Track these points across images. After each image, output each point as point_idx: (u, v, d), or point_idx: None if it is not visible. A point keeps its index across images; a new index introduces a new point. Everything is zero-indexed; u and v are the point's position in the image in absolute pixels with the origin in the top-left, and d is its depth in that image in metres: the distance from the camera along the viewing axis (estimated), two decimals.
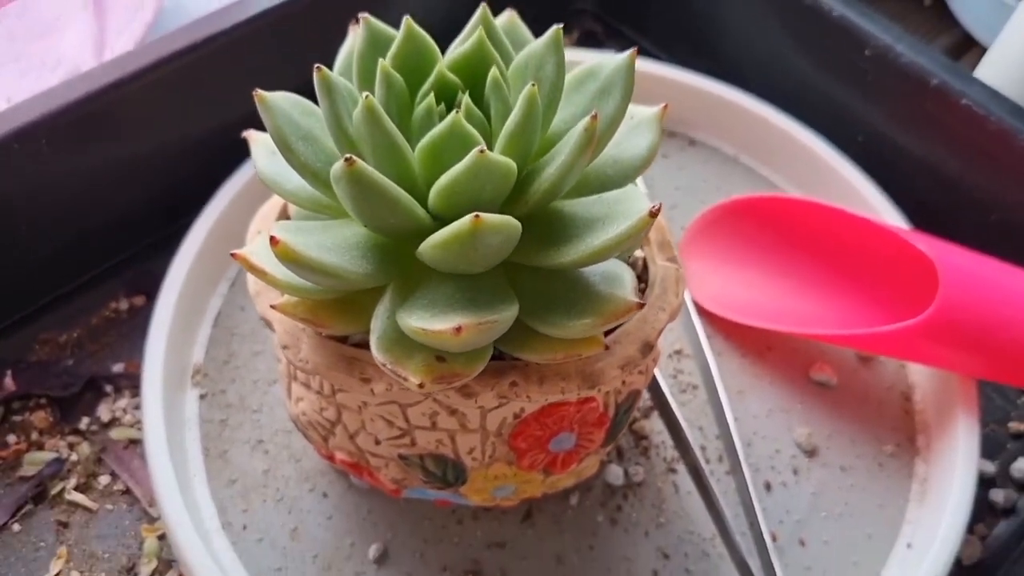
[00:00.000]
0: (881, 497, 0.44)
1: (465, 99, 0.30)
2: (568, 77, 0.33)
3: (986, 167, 0.49)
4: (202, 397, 0.46)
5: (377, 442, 0.36)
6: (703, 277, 0.50)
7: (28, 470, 0.45)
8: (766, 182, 0.55)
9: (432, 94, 0.31)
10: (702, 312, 0.49)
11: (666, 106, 0.34)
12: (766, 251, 0.50)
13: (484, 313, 0.29)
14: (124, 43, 0.52)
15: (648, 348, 0.34)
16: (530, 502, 0.43)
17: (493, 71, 0.30)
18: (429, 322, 0.28)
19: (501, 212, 0.30)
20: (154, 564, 0.42)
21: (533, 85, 0.29)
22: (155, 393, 0.44)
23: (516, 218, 0.31)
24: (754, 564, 0.41)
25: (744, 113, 0.55)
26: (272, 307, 0.32)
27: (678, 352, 0.48)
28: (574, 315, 0.30)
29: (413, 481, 0.38)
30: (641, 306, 0.30)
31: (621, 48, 0.64)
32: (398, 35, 0.31)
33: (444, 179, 0.28)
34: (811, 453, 0.45)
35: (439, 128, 0.29)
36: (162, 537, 0.43)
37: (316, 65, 0.29)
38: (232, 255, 0.31)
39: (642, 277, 0.37)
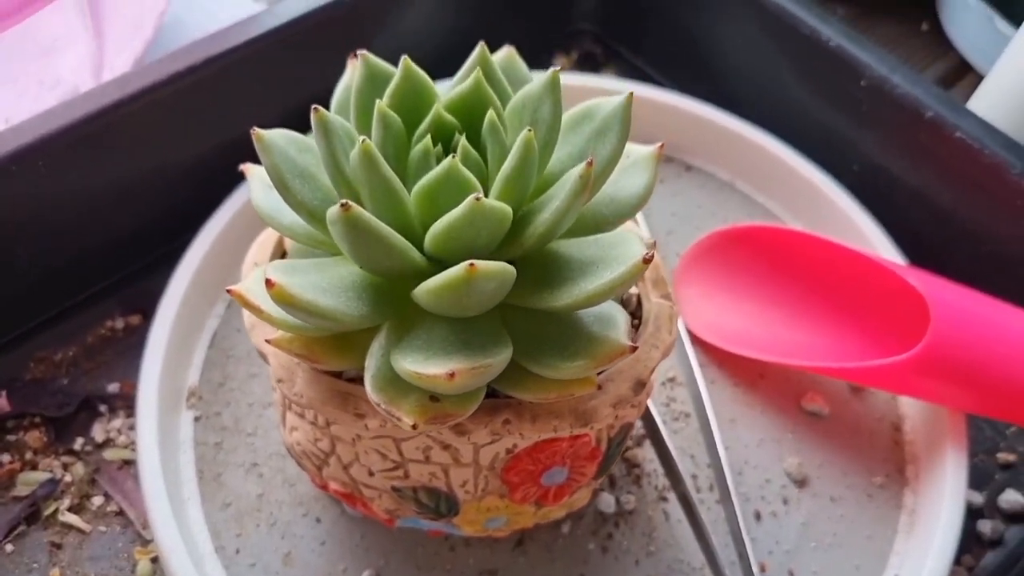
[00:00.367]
0: (870, 528, 0.44)
1: (462, 142, 0.30)
2: (565, 117, 0.33)
3: (979, 199, 0.49)
4: (197, 419, 0.47)
5: (371, 474, 0.37)
6: (697, 305, 0.50)
7: (22, 490, 0.45)
8: (761, 209, 0.56)
9: (429, 135, 0.31)
10: (695, 340, 0.50)
11: (662, 145, 0.35)
12: (761, 280, 0.50)
13: (478, 357, 0.29)
14: (124, 61, 0.52)
15: (641, 386, 0.35)
16: (522, 531, 0.43)
17: (490, 114, 0.31)
18: (423, 365, 0.28)
19: (496, 254, 0.31)
20: None
21: (530, 130, 0.29)
22: (150, 415, 0.44)
23: (511, 259, 0.31)
24: None
25: (740, 140, 0.55)
26: (267, 342, 0.32)
27: (671, 380, 0.49)
28: (567, 357, 0.31)
29: (406, 512, 0.38)
30: (634, 349, 0.30)
31: (620, 71, 0.65)
32: (396, 74, 0.32)
33: (440, 224, 0.28)
34: (801, 483, 0.45)
35: (436, 172, 0.29)
36: (155, 560, 0.43)
37: (313, 106, 0.29)
38: (228, 291, 0.32)
39: (636, 314, 0.37)
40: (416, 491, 0.37)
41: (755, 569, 0.42)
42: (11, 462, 0.46)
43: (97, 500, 0.45)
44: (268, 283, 0.28)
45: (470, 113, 0.32)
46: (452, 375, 0.27)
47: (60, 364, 0.50)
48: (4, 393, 0.48)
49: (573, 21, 0.66)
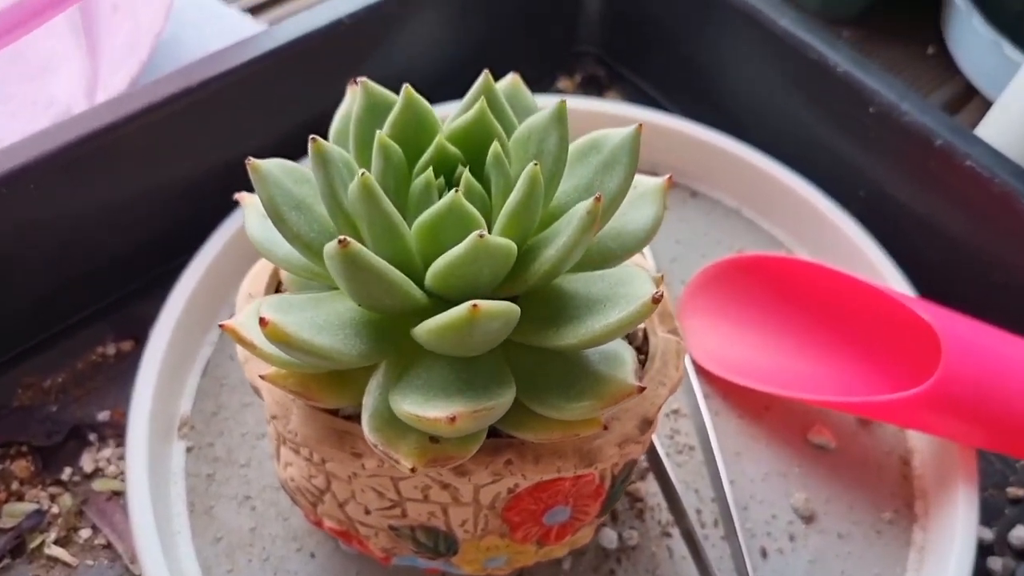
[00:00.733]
0: (878, 565, 0.43)
1: (465, 175, 0.29)
2: (572, 147, 0.32)
3: (989, 228, 0.48)
4: (189, 450, 0.45)
5: (367, 512, 0.35)
6: (702, 334, 0.49)
7: (7, 522, 0.44)
8: (767, 236, 0.55)
9: (431, 168, 0.30)
10: (700, 370, 0.49)
11: (670, 177, 0.34)
12: (767, 310, 0.49)
13: (480, 399, 0.28)
14: (119, 81, 0.51)
15: (647, 424, 0.34)
16: (521, 568, 0.42)
17: (494, 146, 0.30)
18: (423, 408, 0.27)
19: (500, 290, 0.30)
20: None
21: (535, 164, 0.28)
22: (140, 445, 0.43)
23: (515, 295, 0.30)
24: None
25: (746, 166, 0.54)
26: (261, 377, 0.31)
27: (675, 411, 0.47)
28: (572, 397, 0.30)
29: (403, 550, 0.37)
30: (642, 390, 0.29)
31: (624, 94, 0.64)
32: (397, 103, 0.31)
33: (442, 261, 0.27)
34: (808, 519, 0.44)
35: (438, 207, 0.28)
36: None
37: (311, 136, 0.28)
38: (221, 327, 0.31)
39: (642, 348, 0.36)
40: (414, 530, 0.36)
41: None
42: None
43: (85, 533, 0.44)
44: (262, 321, 0.27)
45: (474, 144, 0.31)
46: (453, 419, 0.26)
47: (49, 391, 0.49)
48: None
49: (577, 43, 0.65)
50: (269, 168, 0.30)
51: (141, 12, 0.51)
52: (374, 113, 0.32)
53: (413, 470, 0.28)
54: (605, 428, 0.31)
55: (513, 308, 0.27)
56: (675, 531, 0.44)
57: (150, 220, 0.51)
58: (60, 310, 0.50)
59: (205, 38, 0.61)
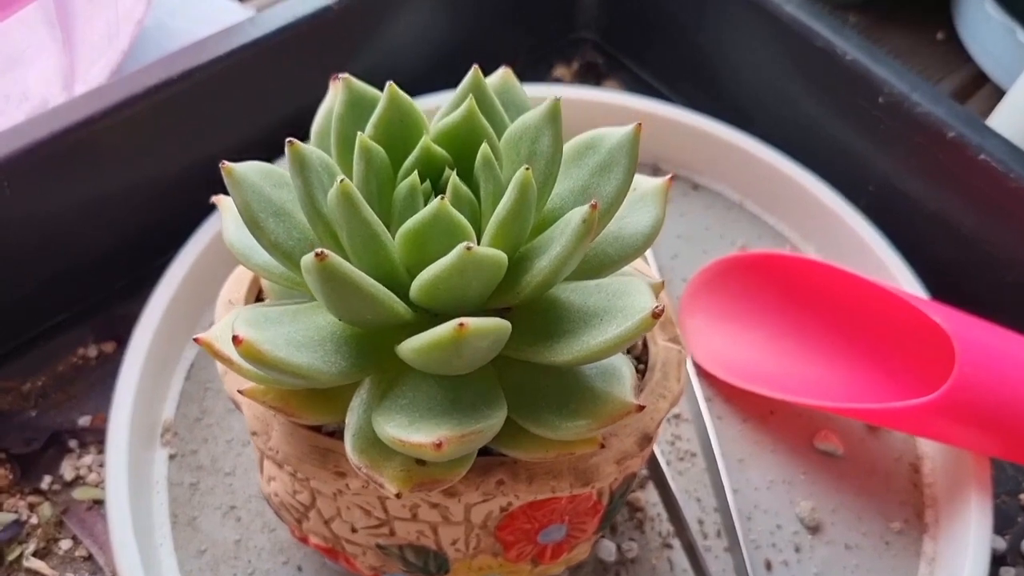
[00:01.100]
0: None
1: (452, 179, 0.28)
2: (566, 147, 0.30)
3: (1003, 225, 0.46)
4: (171, 458, 0.44)
5: (353, 530, 0.34)
6: (704, 335, 0.48)
7: None
8: (771, 231, 0.53)
9: (416, 172, 0.28)
10: (702, 373, 0.47)
11: (672, 177, 0.32)
12: (772, 310, 0.47)
13: (468, 421, 0.26)
14: (98, 72, 0.49)
15: (647, 440, 0.32)
16: None
17: (483, 148, 0.28)
18: (407, 431, 0.26)
19: (490, 301, 0.28)
20: None
21: (527, 169, 0.26)
22: (120, 453, 0.41)
23: (507, 306, 0.28)
24: None
25: (750, 158, 0.52)
26: (240, 392, 0.30)
27: (676, 416, 0.46)
28: (567, 415, 0.28)
29: (392, 568, 0.36)
30: (641, 408, 0.28)
31: (623, 82, 0.62)
32: (380, 101, 0.29)
33: (427, 274, 0.26)
34: (814, 529, 0.43)
35: (423, 214, 0.26)
36: None
37: (288, 139, 0.27)
38: (195, 340, 0.29)
39: (641, 358, 0.34)
40: (402, 549, 0.34)
41: None
42: None
43: (65, 544, 0.42)
44: (235, 339, 0.25)
45: (462, 145, 0.29)
46: (439, 444, 0.25)
47: (28, 395, 0.47)
48: None
49: (574, 29, 0.63)
50: (244, 172, 0.28)
51: (120, 0, 0.49)
52: (356, 110, 0.30)
53: (399, 495, 0.27)
54: (602, 446, 0.30)
55: (503, 325, 0.25)
56: (676, 542, 0.42)
57: (131, 217, 0.49)
58: (39, 312, 0.48)
59: (191, 24, 0.59)
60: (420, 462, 0.27)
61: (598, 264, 0.31)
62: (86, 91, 0.44)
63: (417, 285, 0.26)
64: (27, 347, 0.48)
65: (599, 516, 0.35)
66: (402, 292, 0.27)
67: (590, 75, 0.61)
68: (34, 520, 0.43)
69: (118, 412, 0.43)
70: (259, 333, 0.26)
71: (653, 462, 0.43)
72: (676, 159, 0.55)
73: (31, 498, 0.44)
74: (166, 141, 0.48)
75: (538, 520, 0.33)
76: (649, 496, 0.43)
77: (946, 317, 0.40)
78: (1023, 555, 0.44)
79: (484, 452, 0.30)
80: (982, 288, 0.48)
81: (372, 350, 0.28)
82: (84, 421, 0.46)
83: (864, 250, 0.49)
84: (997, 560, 0.44)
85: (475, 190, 0.29)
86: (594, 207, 0.26)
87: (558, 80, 0.60)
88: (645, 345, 0.34)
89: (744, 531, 0.42)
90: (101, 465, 0.45)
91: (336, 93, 0.31)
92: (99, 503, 0.44)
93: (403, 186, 0.28)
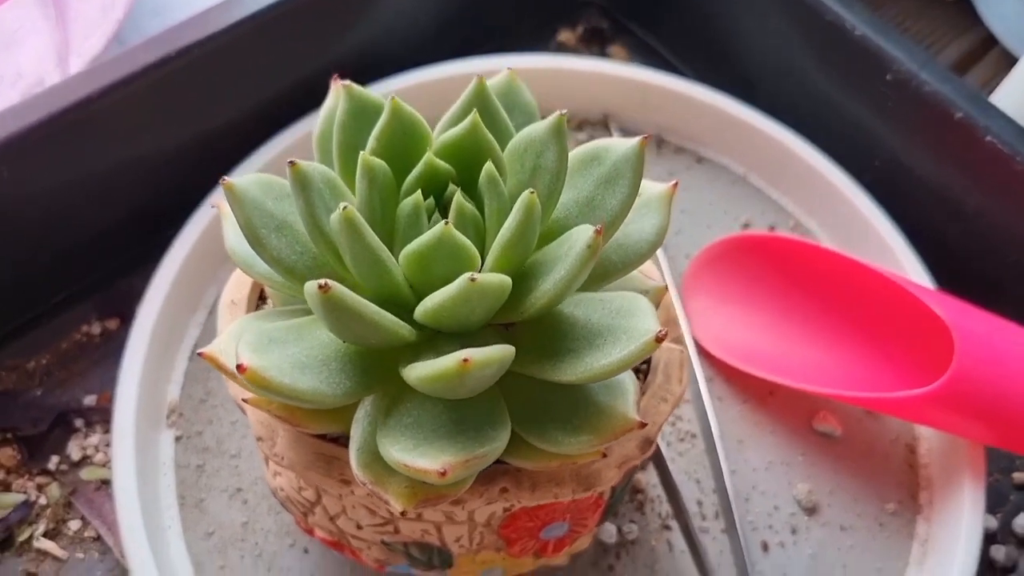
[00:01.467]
0: (880, 559, 0.42)
1: (456, 198, 0.27)
2: (571, 156, 0.30)
3: (1007, 205, 0.46)
4: (178, 439, 0.44)
5: (359, 527, 0.34)
6: (706, 315, 0.48)
7: None
8: (775, 206, 0.53)
9: (419, 189, 0.28)
10: (703, 352, 0.47)
11: (676, 184, 0.32)
12: (774, 293, 0.47)
13: (472, 444, 0.26)
14: (93, 45, 0.48)
15: (648, 444, 0.32)
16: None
17: (488, 167, 0.27)
18: (412, 456, 0.26)
19: (495, 318, 0.28)
20: None
21: (532, 192, 0.26)
22: (127, 436, 0.42)
23: (510, 322, 0.28)
24: None
25: (754, 132, 0.52)
26: (244, 400, 0.30)
27: None
28: (571, 431, 0.28)
29: (397, 561, 0.36)
30: (643, 425, 0.28)
31: (629, 49, 0.61)
32: (382, 114, 0.28)
33: (431, 302, 0.26)
34: (811, 511, 0.43)
35: (427, 238, 0.26)
36: None
37: (289, 160, 0.26)
38: (199, 355, 0.29)
39: None
40: (407, 545, 0.35)
41: None
42: None
43: (74, 524, 0.43)
44: (240, 368, 0.25)
45: (466, 158, 0.28)
46: (444, 473, 0.25)
47: (33, 373, 0.47)
48: None
49: None
50: (246, 188, 0.28)
51: None
52: (359, 119, 0.29)
53: (404, 513, 0.27)
54: (604, 456, 0.30)
55: (507, 353, 0.25)
56: (676, 523, 0.43)
57: (133, 193, 0.49)
58: (42, 289, 0.48)
59: None
60: None
61: (602, 272, 0.31)
62: (83, 66, 0.44)
63: (421, 310, 0.26)
64: (31, 326, 0.48)
65: (601, 511, 0.35)
66: (407, 312, 0.27)
67: (595, 40, 0.60)
68: (43, 501, 0.44)
69: (124, 394, 0.43)
70: (263, 358, 0.26)
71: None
72: (681, 131, 0.54)
73: (39, 479, 0.44)
74: (166, 117, 0.47)
75: (540, 518, 0.34)
76: (650, 477, 0.44)
77: (946, 308, 0.40)
78: (1014, 533, 0.45)
79: None
80: (985, 268, 0.48)
81: (376, 367, 0.28)
82: (90, 400, 0.46)
83: (867, 228, 0.49)
84: (988, 538, 0.45)
85: (479, 204, 0.28)
86: (599, 233, 0.26)
87: (562, 45, 0.59)
88: None
89: (742, 513, 0.43)
90: (107, 445, 0.45)
91: (338, 99, 0.30)
92: (106, 483, 0.44)
93: (406, 204, 0.28)
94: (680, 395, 0.33)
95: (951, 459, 0.43)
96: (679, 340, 0.35)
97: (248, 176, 0.28)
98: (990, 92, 0.54)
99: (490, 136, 0.28)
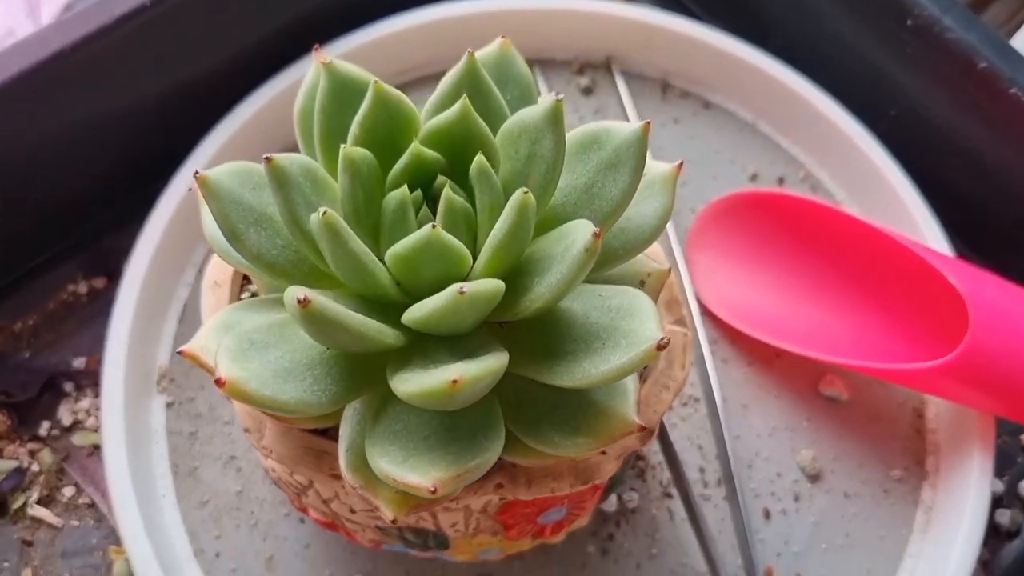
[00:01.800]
0: (884, 527, 0.42)
1: (445, 193, 0.26)
2: (569, 138, 0.28)
3: None
4: (169, 405, 0.43)
5: (352, 511, 0.34)
6: (711, 274, 0.46)
7: None
8: (785, 155, 0.50)
9: (406, 184, 0.26)
10: (707, 312, 0.46)
11: (681, 164, 0.30)
12: (782, 253, 0.46)
13: (464, 455, 0.25)
14: None
15: (649, 435, 0.31)
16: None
17: (479, 159, 0.26)
18: (402, 469, 0.25)
19: (488, 318, 0.26)
20: None
21: (526, 193, 0.24)
22: (116, 403, 0.41)
23: (504, 321, 0.27)
24: None
25: (766, 78, 0.49)
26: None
27: None
28: (567, 432, 0.27)
29: (392, 542, 0.36)
30: (643, 429, 0.27)
31: None
32: (365, 99, 0.26)
33: (420, 311, 0.24)
34: (815, 477, 0.43)
35: (414, 240, 0.24)
36: None
37: (265, 156, 0.25)
38: (180, 353, 0.28)
39: None
40: (402, 530, 0.34)
41: (761, 574, 0.40)
42: None
43: (68, 491, 0.43)
44: (219, 382, 0.24)
45: (456, 145, 0.27)
46: (434, 490, 0.24)
47: (20, 335, 0.46)
48: None
49: None
50: (219, 180, 0.26)
51: None
52: (341, 100, 0.28)
53: (394, 521, 0.26)
54: (603, 453, 0.29)
55: (499, 365, 0.24)
56: (676, 492, 0.42)
57: (116, 147, 0.47)
58: (26, 249, 0.47)
59: None
60: None
61: (602, 259, 0.29)
62: (55, 16, 0.41)
63: (410, 318, 0.25)
64: (16, 286, 0.47)
65: (600, 493, 0.35)
66: (394, 312, 0.26)
67: None
68: (35, 468, 0.43)
69: (112, 359, 0.42)
70: (243, 368, 0.24)
71: None
72: (687, 75, 0.52)
73: (31, 445, 0.44)
74: (145, 67, 0.45)
75: (538, 506, 0.33)
76: (652, 445, 0.43)
77: (962, 277, 0.38)
78: (1020, 497, 0.44)
79: None
80: (1003, 224, 0.46)
81: (364, 370, 0.27)
82: (79, 363, 0.45)
83: (880, 182, 0.47)
84: (994, 502, 0.44)
85: (470, 193, 0.27)
86: (597, 235, 0.24)
87: None
88: None
89: (744, 480, 0.42)
90: (99, 409, 0.44)
91: (318, 76, 0.28)
92: (99, 449, 0.43)
93: (392, 199, 0.26)
94: (683, 381, 0.32)
95: (960, 424, 0.42)
96: (682, 323, 0.33)
97: (223, 167, 0.27)
98: (1011, 32, 0.51)
99: (481, 124, 0.26)
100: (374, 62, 0.47)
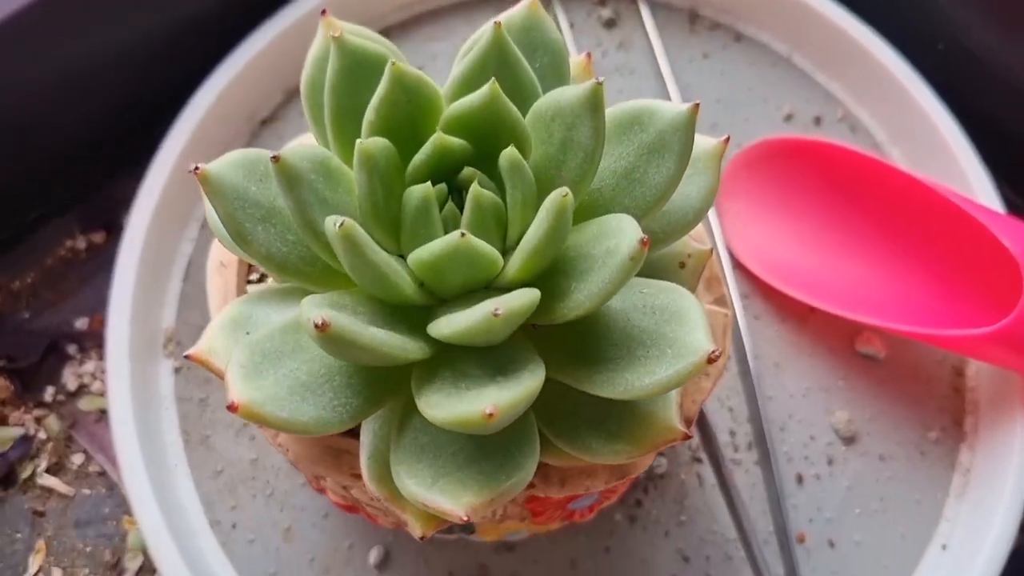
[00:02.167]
0: (920, 491, 0.41)
1: (474, 189, 0.23)
2: (607, 116, 0.25)
3: None
4: (177, 371, 0.42)
5: (372, 498, 0.32)
6: (743, 224, 0.44)
7: None
8: (822, 92, 0.47)
9: (428, 170, 0.23)
10: (739, 266, 0.43)
11: (727, 139, 0.27)
12: (819, 204, 0.43)
13: (498, 473, 0.24)
14: None
15: (687, 424, 0.29)
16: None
17: (511, 152, 0.23)
18: (431, 492, 0.23)
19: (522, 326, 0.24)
20: (140, 559, 0.40)
21: (564, 196, 0.22)
22: (122, 368, 0.40)
23: (542, 325, 0.25)
24: (779, 568, 0.39)
25: (801, 7, 0.46)
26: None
27: None
28: (605, 437, 0.25)
29: None
30: (688, 437, 0.25)
31: None
32: (382, 84, 0.23)
33: (448, 327, 0.22)
34: (849, 439, 0.41)
35: (441, 246, 0.22)
36: None
37: (272, 155, 0.22)
38: (187, 357, 0.26)
39: None
40: None
41: (793, 542, 0.39)
42: None
43: (77, 459, 0.41)
44: (231, 407, 0.22)
45: (483, 130, 0.24)
46: (467, 517, 0.22)
47: (19, 294, 0.44)
48: None
49: None
50: (222, 174, 0.24)
51: None
52: (353, 79, 0.25)
53: (423, 537, 0.25)
54: None
55: (536, 385, 0.22)
56: (706, 456, 0.41)
57: (111, 92, 0.44)
58: (20, 203, 0.45)
59: None
60: None
61: None
62: None
63: (437, 332, 0.22)
64: (11, 242, 0.45)
65: (631, 480, 0.33)
66: (417, 319, 0.24)
67: None
68: (42, 435, 0.42)
69: (116, 322, 0.40)
70: (256, 387, 0.22)
71: None
72: (717, 3, 0.48)
73: (36, 411, 0.42)
74: (138, 3, 0.42)
75: (568, 496, 0.31)
76: None
77: (1015, 237, 0.36)
78: None
79: None
80: None
81: (386, 379, 0.25)
82: (81, 323, 0.44)
83: (924, 122, 0.44)
84: None
85: (499, 183, 0.24)
86: (645, 243, 0.22)
87: None
88: None
89: (777, 443, 0.41)
90: (104, 372, 0.43)
91: (327, 46, 0.25)
92: (107, 413, 0.42)
93: (413, 195, 0.23)
94: (723, 367, 0.30)
95: (1001, 382, 0.41)
96: (722, 300, 0.31)
97: (226, 159, 0.24)
98: None
99: (512, 109, 0.23)
100: None
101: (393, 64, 0.23)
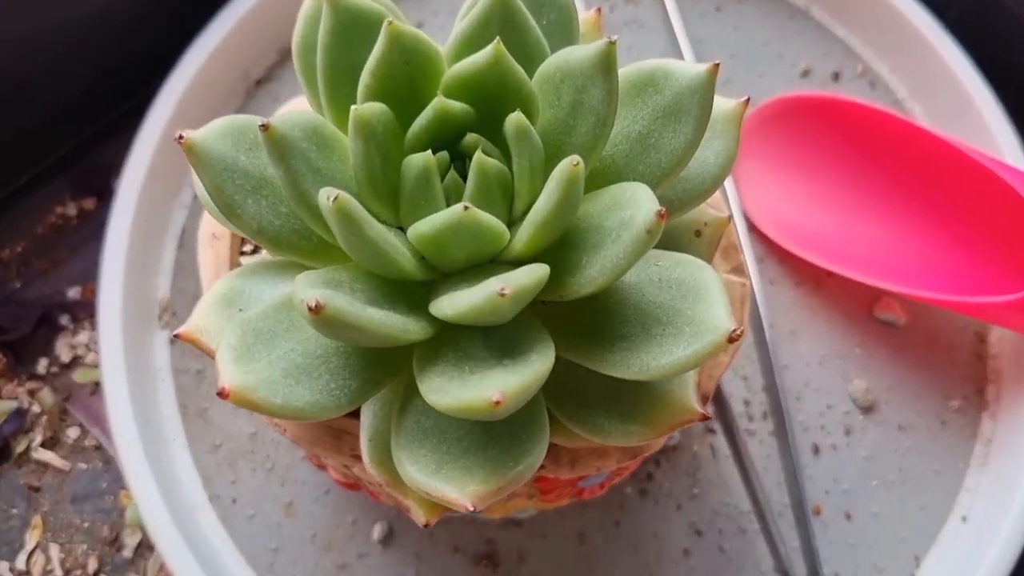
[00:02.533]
0: (940, 460, 0.39)
1: (477, 157, 0.21)
2: (620, 77, 0.23)
3: None
4: (172, 342, 0.40)
5: (374, 482, 0.31)
6: (759, 185, 0.42)
7: None
8: (841, 47, 0.45)
9: (428, 143, 0.22)
10: (753, 229, 0.42)
11: (747, 100, 0.25)
12: (838, 165, 0.41)
13: (505, 458, 0.22)
14: None
15: (704, 401, 0.28)
16: None
17: (517, 117, 0.21)
18: (435, 480, 0.22)
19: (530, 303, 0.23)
20: (139, 535, 0.39)
21: (575, 164, 0.20)
22: (115, 339, 0.38)
23: (551, 301, 0.23)
24: (795, 540, 0.38)
25: None
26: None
27: None
28: (618, 418, 0.24)
29: None
30: (705, 418, 0.24)
31: None
32: (378, 44, 0.22)
33: (451, 307, 0.21)
34: (867, 409, 0.40)
35: (443, 219, 0.21)
36: None
37: (261, 123, 0.20)
38: (176, 336, 0.24)
39: None
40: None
41: (809, 514, 0.38)
42: None
43: (72, 432, 0.40)
44: (222, 392, 0.21)
45: (487, 93, 0.22)
46: (473, 506, 0.21)
47: (9, 263, 0.43)
48: None
49: None
50: (208, 144, 0.22)
51: None
52: (348, 37, 0.23)
53: (427, 525, 0.24)
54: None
55: (545, 369, 0.21)
56: (719, 427, 0.40)
57: (102, 51, 0.43)
58: (8, 169, 0.43)
59: None
60: None
61: None
62: None
63: (439, 311, 0.21)
64: (1, 209, 0.43)
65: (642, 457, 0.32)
66: (418, 295, 0.22)
67: None
68: (36, 408, 0.41)
69: (108, 291, 0.39)
70: (248, 370, 0.21)
71: None
72: None
73: (30, 384, 0.41)
74: None
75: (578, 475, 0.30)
76: None
77: None
78: None
79: None
80: None
81: (386, 359, 0.23)
82: (74, 293, 0.42)
83: (948, 77, 0.42)
84: None
85: (504, 150, 0.23)
86: (662, 216, 0.20)
87: None
88: None
89: (792, 412, 0.40)
90: (98, 343, 0.41)
91: (318, 2, 0.23)
92: (101, 386, 0.41)
93: (412, 164, 0.22)
94: (740, 341, 0.29)
95: None
96: (740, 271, 0.30)
97: (212, 126, 0.23)
98: None
99: (518, 70, 0.22)
100: None
101: (390, 23, 0.21)
